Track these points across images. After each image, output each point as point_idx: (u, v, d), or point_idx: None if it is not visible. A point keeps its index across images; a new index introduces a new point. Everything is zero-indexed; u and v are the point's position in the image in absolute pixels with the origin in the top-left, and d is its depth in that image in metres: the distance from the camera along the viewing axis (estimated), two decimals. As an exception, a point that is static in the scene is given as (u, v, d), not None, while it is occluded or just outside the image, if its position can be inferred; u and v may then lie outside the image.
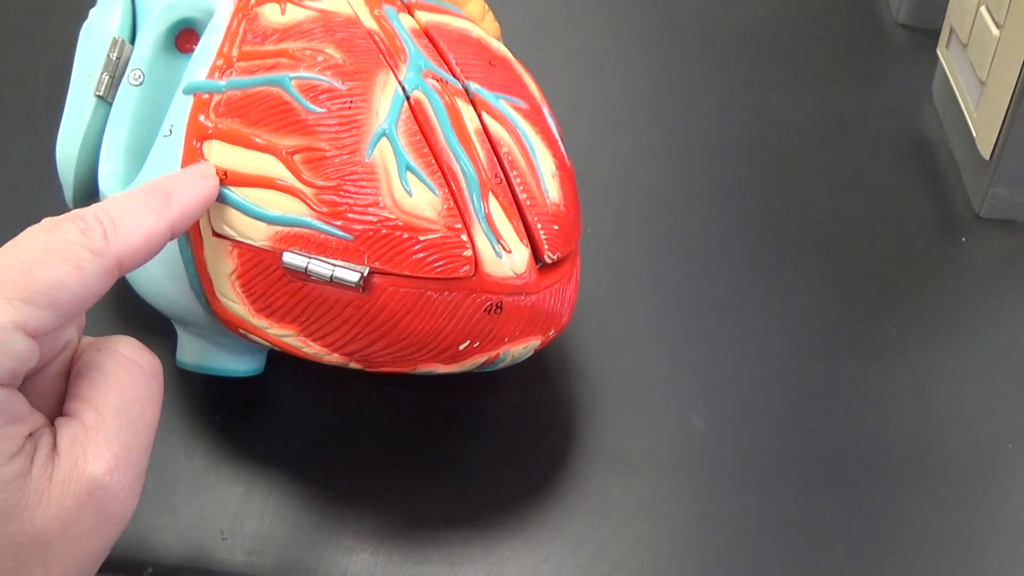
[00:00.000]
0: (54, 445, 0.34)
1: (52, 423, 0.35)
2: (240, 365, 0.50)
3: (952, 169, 0.67)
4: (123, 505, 0.35)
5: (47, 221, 0.36)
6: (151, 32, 0.48)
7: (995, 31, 0.60)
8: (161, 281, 0.47)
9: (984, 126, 0.61)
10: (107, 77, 0.48)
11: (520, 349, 0.46)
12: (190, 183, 0.41)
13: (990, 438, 0.52)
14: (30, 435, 0.34)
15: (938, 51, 0.69)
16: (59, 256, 0.34)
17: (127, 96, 0.48)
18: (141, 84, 0.48)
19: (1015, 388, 0.54)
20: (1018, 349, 0.56)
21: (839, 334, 0.56)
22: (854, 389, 0.54)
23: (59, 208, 0.51)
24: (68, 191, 0.50)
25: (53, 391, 0.37)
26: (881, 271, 0.60)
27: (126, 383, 0.36)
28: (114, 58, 0.48)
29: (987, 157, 0.61)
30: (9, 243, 0.35)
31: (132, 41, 0.49)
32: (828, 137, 0.69)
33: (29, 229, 0.35)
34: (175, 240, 0.45)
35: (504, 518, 0.48)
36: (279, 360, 0.50)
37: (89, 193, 0.50)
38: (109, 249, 0.36)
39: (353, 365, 0.46)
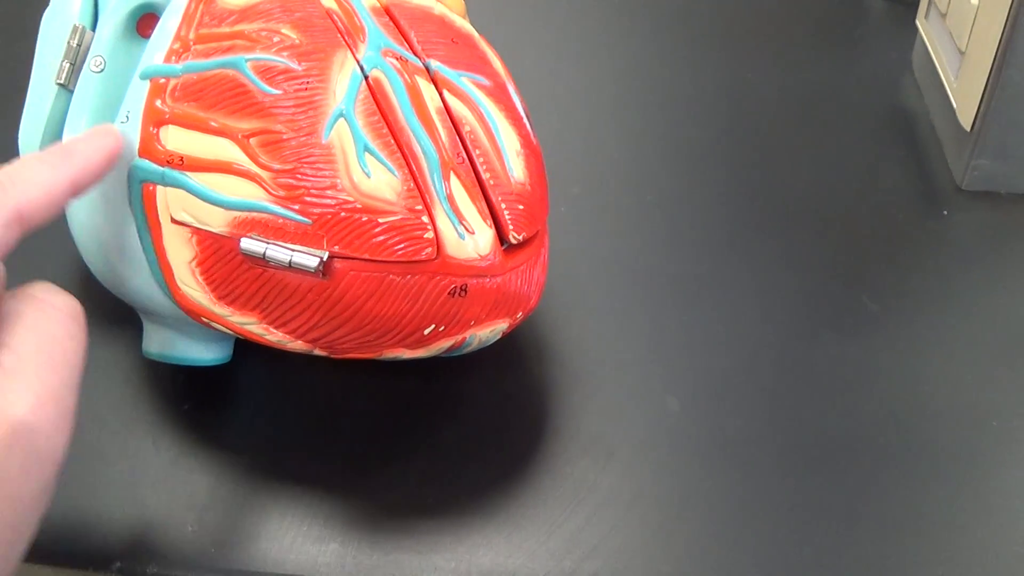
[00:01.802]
0: None
1: None
2: (207, 354, 0.50)
3: (933, 141, 0.66)
4: (50, 441, 0.35)
5: None
6: (112, 18, 0.47)
7: (974, 1, 0.59)
8: (123, 271, 0.46)
9: (964, 97, 0.60)
10: (68, 65, 0.48)
11: (487, 332, 0.45)
12: (91, 140, 0.42)
13: (974, 415, 0.51)
14: None
15: (917, 22, 0.68)
16: None
17: (88, 83, 0.47)
18: (102, 71, 0.48)
19: (999, 364, 0.53)
20: (1001, 323, 0.55)
21: (818, 311, 0.56)
22: (833, 367, 0.53)
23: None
24: (31, 181, 0.49)
25: None
26: (861, 246, 0.59)
27: (42, 324, 0.37)
28: (75, 45, 0.48)
29: (968, 129, 0.60)
30: None
31: (93, 28, 0.48)
32: (806, 111, 0.69)
33: None
34: (136, 229, 0.44)
35: (476, 505, 0.47)
36: (246, 348, 0.49)
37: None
38: (6, 202, 0.37)
39: (318, 352, 0.45)
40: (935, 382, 0.52)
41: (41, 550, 0.45)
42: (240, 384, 0.52)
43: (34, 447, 0.34)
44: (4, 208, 0.37)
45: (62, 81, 0.48)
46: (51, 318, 0.37)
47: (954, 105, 0.62)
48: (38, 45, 0.49)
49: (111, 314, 0.53)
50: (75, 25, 0.48)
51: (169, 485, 0.48)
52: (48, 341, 0.36)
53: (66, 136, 0.47)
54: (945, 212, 0.61)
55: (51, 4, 0.49)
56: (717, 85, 0.71)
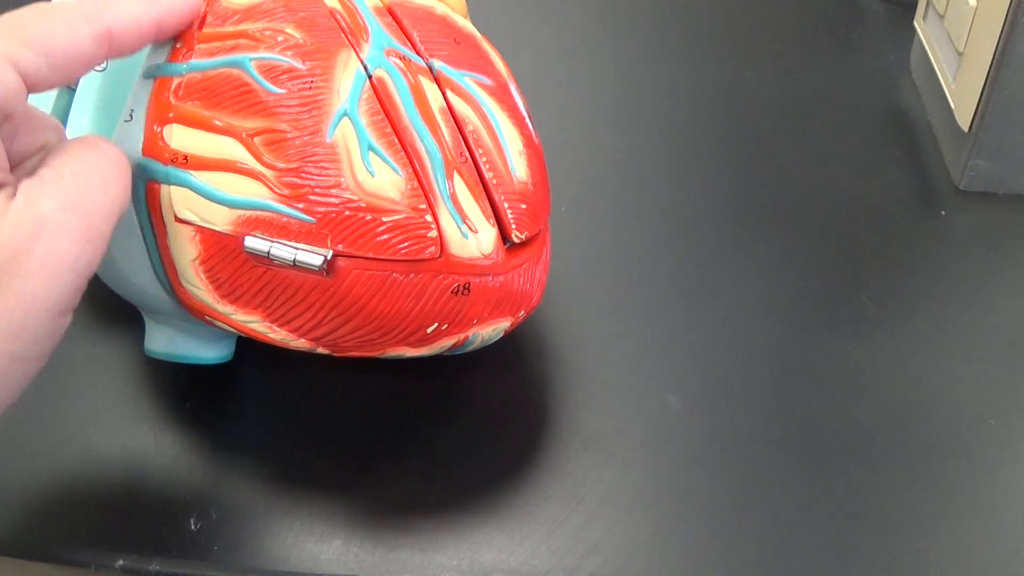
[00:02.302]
0: (14, 193, 0.36)
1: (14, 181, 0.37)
2: (209, 352, 0.50)
3: (931, 142, 0.66)
4: (75, 247, 0.36)
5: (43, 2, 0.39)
6: (115, 17, 0.47)
7: (972, 2, 0.59)
8: (126, 270, 0.46)
9: (962, 98, 0.61)
10: (70, 63, 0.48)
11: (489, 331, 0.45)
12: None
13: (972, 414, 0.51)
14: None
15: (915, 23, 0.68)
16: (55, 14, 0.38)
17: (90, 83, 0.48)
18: (104, 70, 0.48)
19: (996, 363, 0.53)
20: (999, 323, 0.55)
21: (817, 310, 0.56)
22: (832, 366, 0.53)
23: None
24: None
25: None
26: (859, 246, 0.59)
27: (87, 155, 0.38)
28: (77, 43, 0.48)
29: (966, 129, 0.61)
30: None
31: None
32: (805, 111, 0.69)
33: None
34: (139, 228, 0.45)
35: (477, 503, 0.47)
36: (248, 347, 0.49)
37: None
38: (100, 17, 0.39)
39: (321, 350, 0.45)
40: (933, 381, 0.53)
41: (43, 548, 0.45)
42: (242, 383, 0.52)
43: (57, 247, 0.35)
44: (98, 21, 0.38)
45: (63, 79, 0.48)
46: (98, 154, 0.39)
47: (952, 106, 0.62)
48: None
49: (113, 312, 0.53)
50: (78, 24, 0.48)
51: (171, 483, 0.48)
52: (89, 168, 0.38)
53: (68, 136, 0.47)
54: (943, 212, 0.62)
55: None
56: (716, 86, 0.71)
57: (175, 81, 0.43)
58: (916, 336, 0.55)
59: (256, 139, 0.42)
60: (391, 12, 0.47)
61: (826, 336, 0.54)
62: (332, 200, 0.41)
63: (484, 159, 0.44)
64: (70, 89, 0.48)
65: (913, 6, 0.69)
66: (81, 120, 0.47)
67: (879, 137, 0.67)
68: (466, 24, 0.49)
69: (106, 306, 0.53)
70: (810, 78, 0.71)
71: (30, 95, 0.48)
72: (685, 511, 0.47)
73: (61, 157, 0.38)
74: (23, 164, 0.39)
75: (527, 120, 0.48)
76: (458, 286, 0.43)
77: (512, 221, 0.44)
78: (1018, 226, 0.61)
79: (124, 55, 0.40)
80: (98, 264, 0.38)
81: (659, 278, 0.57)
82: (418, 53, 0.45)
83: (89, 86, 0.47)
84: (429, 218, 0.42)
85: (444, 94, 0.44)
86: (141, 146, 0.43)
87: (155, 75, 0.44)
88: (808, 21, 0.77)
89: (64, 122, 0.48)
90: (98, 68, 0.47)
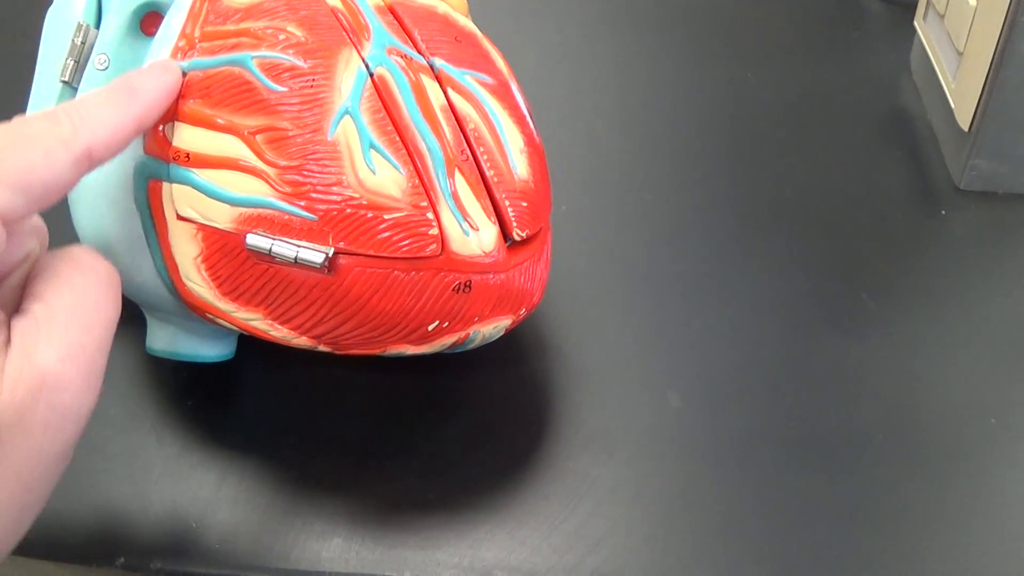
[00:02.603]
0: (7, 339, 0.35)
1: (5, 322, 0.36)
2: (210, 350, 0.50)
3: (931, 142, 0.66)
4: (76, 398, 0.35)
5: (15, 118, 0.37)
6: (116, 16, 0.47)
7: (972, 1, 0.59)
8: (128, 268, 0.46)
9: (962, 97, 0.61)
10: (72, 63, 0.48)
11: (490, 329, 0.45)
12: (153, 77, 0.42)
13: (972, 412, 0.51)
14: None
15: (915, 23, 0.68)
16: (30, 144, 0.36)
17: (93, 81, 0.47)
18: (107, 69, 0.48)
19: (996, 362, 0.53)
20: (999, 322, 0.55)
21: (818, 309, 0.56)
22: (833, 365, 0.53)
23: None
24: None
25: (12, 302, 0.37)
26: (860, 245, 0.60)
27: (78, 282, 0.37)
28: (79, 43, 0.48)
29: (966, 129, 0.61)
30: None
31: (97, 26, 0.48)
32: (805, 111, 0.69)
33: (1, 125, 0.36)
34: (141, 225, 0.45)
35: (479, 501, 0.47)
36: (250, 344, 0.49)
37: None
38: (78, 139, 0.37)
39: (322, 348, 0.45)
40: (933, 379, 0.53)
41: (45, 546, 0.45)
42: (243, 380, 0.52)
43: (59, 402, 0.34)
44: (75, 145, 0.37)
45: (66, 79, 0.48)
46: (88, 278, 0.37)
47: (952, 105, 0.62)
48: (42, 43, 0.49)
49: (115, 311, 0.53)
50: (79, 23, 0.48)
51: (173, 481, 0.48)
52: (82, 300, 0.36)
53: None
54: (943, 212, 0.62)
55: (55, 2, 0.49)
56: (716, 85, 0.71)
57: (177, 79, 0.44)
58: (916, 334, 0.55)
59: (258, 137, 0.42)
60: (392, 11, 0.47)
61: (826, 334, 0.55)
62: (333, 198, 0.41)
63: (485, 157, 0.44)
64: (72, 88, 0.48)
65: (913, 6, 0.69)
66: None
67: (879, 137, 0.67)
68: (467, 23, 0.49)
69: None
70: (811, 78, 0.71)
71: (33, 93, 0.49)
72: (686, 508, 0.47)
73: (51, 287, 0.36)
74: (6, 281, 0.38)
75: (528, 118, 0.48)
76: (459, 284, 0.43)
77: (513, 219, 0.44)
78: (1018, 225, 0.61)
79: (103, 163, 0.39)
80: (95, 403, 0.36)
81: (660, 276, 0.57)
82: (419, 51, 0.45)
83: (91, 86, 0.47)
84: (430, 216, 0.42)
85: (445, 92, 0.44)
86: (143, 144, 0.44)
87: (157, 73, 0.44)
88: (809, 21, 0.77)
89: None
90: (99, 67, 0.47)
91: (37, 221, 0.39)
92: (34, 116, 0.37)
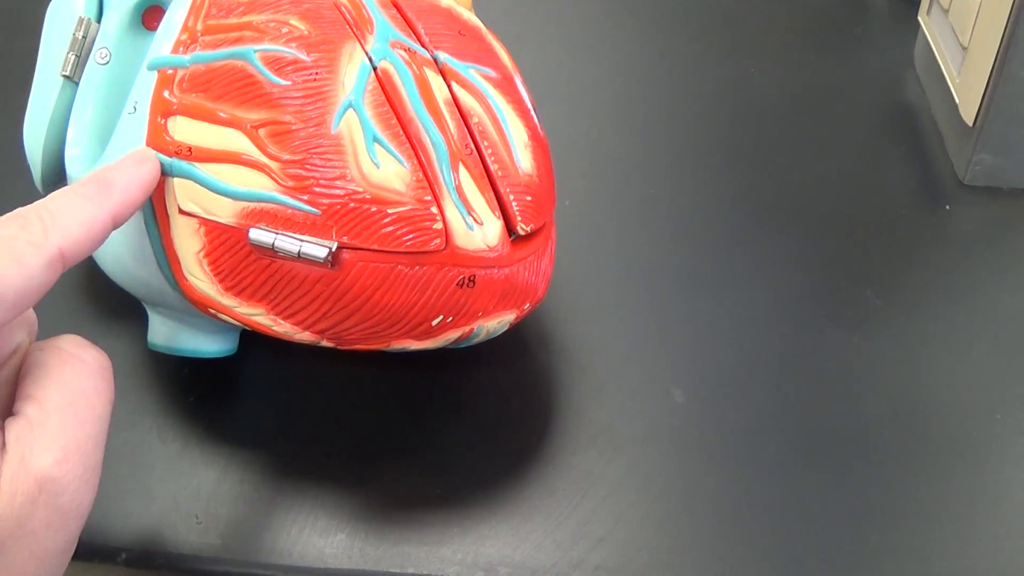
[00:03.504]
0: (2, 444, 0.34)
1: (2, 428, 0.35)
2: (212, 346, 0.50)
3: (935, 137, 0.66)
4: (76, 496, 0.35)
5: None
6: (117, 10, 0.47)
7: (976, -5, 0.59)
8: (130, 262, 0.46)
9: (967, 92, 0.61)
10: (73, 56, 0.48)
11: (494, 323, 0.45)
12: (128, 170, 0.41)
13: (977, 408, 0.51)
14: None
15: (919, 18, 0.68)
16: (0, 251, 0.34)
17: (94, 75, 0.47)
18: (108, 63, 0.48)
19: (1001, 357, 0.53)
20: (1004, 317, 0.55)
21: (822, 305, 0.56)
22: (837, 360, 0.53)
23: (29, 191, 0.50)
24: (36, 173, 0.49)
25: (4, 399, 0.37)
26: (864, 241, 0.59)
27: (68, 377, 0.36)
28: (80, 37, 0.48)
29: (970, 124, 0.60)
30: None
31: (99, 20, 0.48)
32: (809, 106, 0.69)
33: None
34: (143, 221, 0.44)
35: (483, 496, 0.47)
36: (252, 340, 0.49)
37: (57, 175, 0.49)
38: (49, 241, 0.35)
39: (325, 343, 0.45)
40: (938, 375, 0.52)
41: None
42: (246, 376, 0.52)
43: (58, 502, 0.34)
44: (46, 248, 0.35)
45: (67, 73, 0.47)
46: (79, 372, 0.36)
47: (956, 100, 0.62)
48: (43, 37, 0.49)
49: (116, 306, 0.53)
50: (80, 17, 0.48)
51: (175, 477, 0.48)
52: (75, 395, 0.36)
53: (71, 131, 0.47)
54: (947, 207, 0.62)
55: None
56: (721, 81, 0.71)
57: (179, 73, 0.43)
58: (921, 330, 0.55)
59: (260, 131, 0.42)
60: (396, 4, 0.46)
61: (831, 330, 0.54)
62: (337, 192, 0.41)
63: (489, 151, 0.44)
64: (73, 83, 0.48)
65: (917, 1, 0.68)
66: (84, 113, 0.47)
67: (883, 132, 0.66)
68: (471, 17, 0.49)
69: (109, 300, 0.53)
70: (814, 73, 0.71)
71: (34, 87, 0.48)
72: (690, 504, 0.47)
73: (42, 386, 0.36)
74: None
75: (532, 112, 0.47)
76: (463, 278, 0.43)
77: (517, 213, 0.44)
78: (1022, 220, 0.61)
79: (77, 262, 0.37)
80: (95, 496, 0.36)
81: (664, 272, 0.57)
82: (423, 45, 0.45)
83: (92, 79, 0.47)
84: (434, 210, 0.42)
85: (449, 86, 0.44)
86: (145, 138, 0.43)
87: (159, 67, 0.44)
88: (812, 16, 0.76)
89: (67, 116, 0.48)
90: (100, 61, 0.47)
91: (27, 314, 0.39)
92: (3, 220, 0.36)
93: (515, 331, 0.49)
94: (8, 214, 0.36)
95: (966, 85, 0.61)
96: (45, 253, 0.35)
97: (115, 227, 0.39)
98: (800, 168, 0.64)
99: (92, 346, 0.38)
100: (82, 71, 0.48)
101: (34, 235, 0.35)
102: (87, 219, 0.37)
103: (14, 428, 0.34)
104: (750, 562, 0.45)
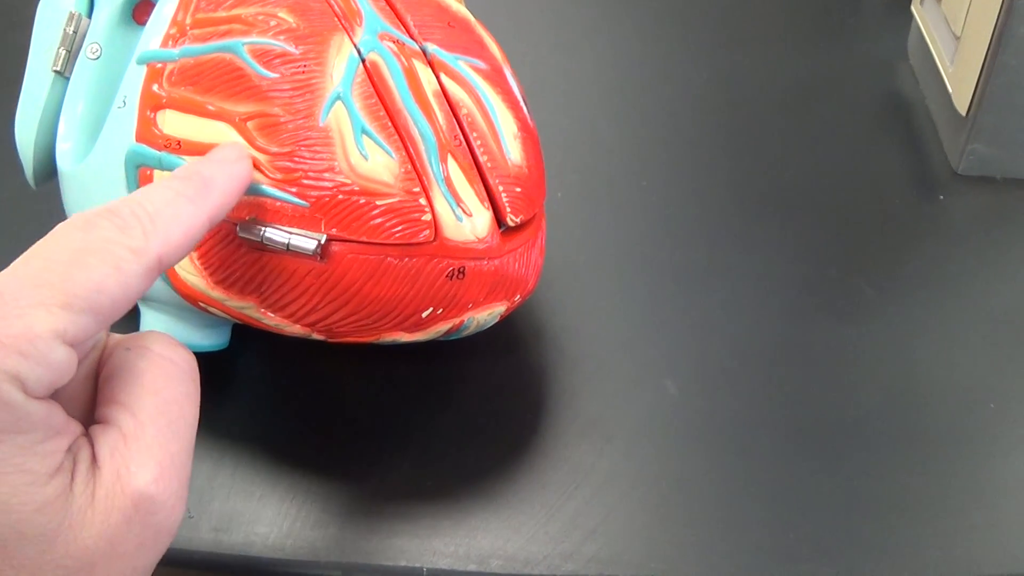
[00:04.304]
0: (93, 457, 0.33)
1: (86, 431, 0.33)
2: (204, 340, 0.49)
3: (929, 127, 0.66)
4: (171, 514, 0.33)
5: (79, 218, 0.33)
6: (108, 5, 0.47)
7: (969, -15, 0.59)
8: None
9: (960, 82, 0.60)
10: (64, 52, 0.48)
11: (485, 315, 0.45)
12: (227, 167, 0.39)
13: (971, 398, 0.51)
14: (68, 449, 0.32)
15: (912, 7, 0.68)
16: (97, 256, 0.32)
17: (85, 70, 0.47)
18: (99, 58, 0.48)
19: (995, 347, 0.53)
20: (997, 307, 0.55)
21: (815, 295, 0.56)
22: (830, 351, 0.53)
23: (22, 187, 0.50)
24: (28, 168, 0.49)
25: (83, 394, 0.35)
26: (858, 231, 0.59)
27: (161, 383, 0.34)
28: (71, 32, 0.48)
29: (964, 113, 0.60)
30: (41, 242, 0.33)
31: (89, 15, 0.48)
32: (803, 97, 0.69)
33: (61, 227, 0.33)
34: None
35: (474, 489, 0.47)
36: (244, 334, 0.49)
37: (49, 170, 0.49)
38: (149, 247, 0.33)
39: (316, 336, 0.45)
40: (932, 365, 0.52)
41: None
42: (238, 370, 0.52)
43: (153, 521, 0.33)
44: (147, 255, 0.33)
45: (58, 68, 0.47)
46: (171, 377, 0.35)
47: (950, 90, 0.62)
48: (34, 33, 0.49)
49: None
50: (71, 12, 0.48)
51: (167, 471, 0.48)
52: (168, 403, 0.34)
53: (62, 126, 0.47)
54: (941, 197, 0.61)
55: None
56: (713, 72, 0.70)
57: (168, 67, 0.43)
58: (914, 320, 0.54)
59: (249, 123, 0.41)
60: (385, -4, 0.46)
61: (824, 321, 0.54)
62: (325, 184, 0.41)
63: (478, 142, 0.44)
64: (64, 78, 0.48)
65: (910, -9, 0.68)
66: (75, 108, 0.47)
67: (877, 122, 0.66)
68: (460, 8, 0.49)
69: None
70: (808, 64, 0.71)
71: (25, 83, 0.48)
72: (683, 496, 0.47)
73: (133, 393, 0.34)
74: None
75: (522, 104, 0.47)
76: (453, 270, 0.43)
77: (507, 204, 0.44)
78: (1016, 210, 0.61)
79: (172, 266, 0.36)
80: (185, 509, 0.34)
81: (656, 264, 0.57)
82: (412, 37, 0.45)
83: (83, 74, 0.47)
84: (423, 201, 0.42)
85: (438, 77, 0.44)
86: (134, 132, 0.43)
87: (148, 61, 0.44)
88: (806, 7, 0.76)
89: (59, 111, 0.48)
90: (91, 56, 0.47)
91: None
92: (99, 219, 0.33)
93: (506, 323, 0.49)
94: (101, 210, 0.34)
95: (959, 75, 0.61)
96: (144, 261, 0.33)
97: (209, 229, 0.37)
98: (793, 159, 0.64)
99: (181, 346, 0.36)
100: (73, 66, 0.48)
101: (134, 240, 0.33)
102: (187, 222, 0.35)
103: (107, 441, 0.33)
104: (743, 553, 0.45)
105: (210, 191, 0.37)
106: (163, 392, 0.34)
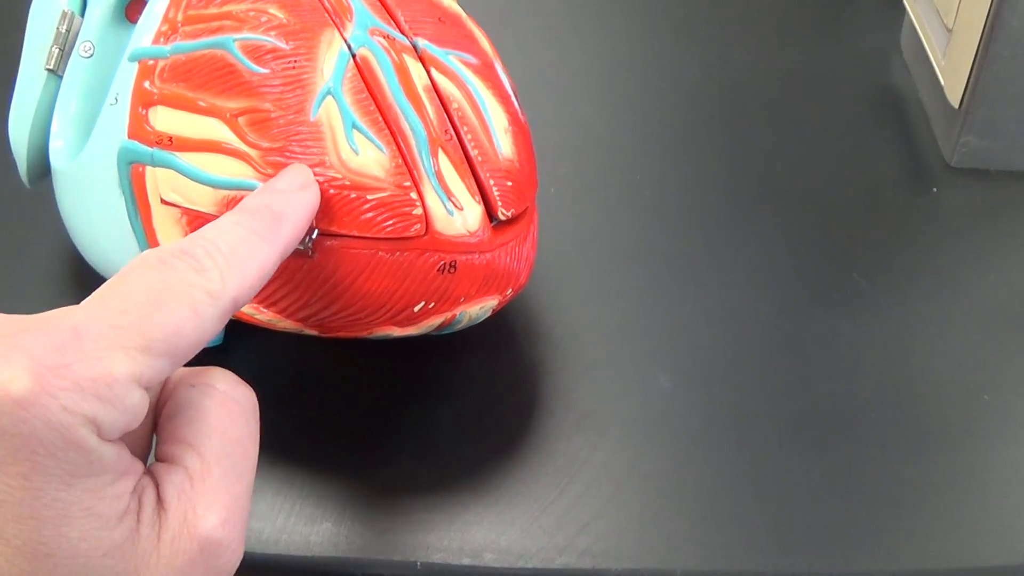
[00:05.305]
0: (159, 498, 0.32)
1: (148, 470, 0.33)
2: (198, 337, 0.50)
3: (922, 119, 0.66)
4: (233, 556, 0.33)
5: (153, 257, 0.33)
6: (101, 3, 0.48)
7: (961, -23, 0.59)
8: (113, 254, 0.46)
9: (952, 74, 0.60)
10: (57, 50, 0.48)
11: (477, 309, 0.45)
12: (295, 199, 0.39)
13: (965, 390, 0.51)
14: (133, 490, 0.32)
15: (904, 0, 0.68)
16: (176, 300, 0.32)
17: (77, 69, 0.48)
18: (91, 56, 0.48)
19: (989, 339, 0.53)
20: (991, 299, 0.55)
21: (808, 288, 0.56)
22: (824, 344, 0.53)
23: (15, 185, 0.50)
24: (22, 166, 0.50)
25: (143, 430, 0.35)
26: (851, 224, 0.59)
27: (227, 424, 0.34)
28: (64, 31, 0.48)
29: (956, 106, 0.60)
30: (116, 279, 0.32)
31: (82, 14, 0.48)
32: (795, 90, 0.69)
33: (135, 265, 0.33)
34: (126, 211, 0.44)
35: (468, 483, 0.47)
36: (237, 330, 0.49)
37: (42, 168, 0.49)
38: (226, 291, 0.33)
39: (308, 331, 0.45)
40: (926, 358, 0.52)
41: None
42: (231, 366, 0.51)
43: (217, 564, 0.32)
44: (223, 300, 0.33)
45: (51, 67, 0.48)
46: (235, 416, 0.35)
47: (942, 83, 0.62)
48: (27, 32, 0.49)
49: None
50: (64, 11, 0.48)
51: (162, 467, 0.48)
52: (233, 444, 0.34)
53: (55, 124, 0.47)
54: (934, 189, 0.61)
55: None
56: (705, 65, 0.70)
57: (160, 63, 0.44)
58: (909, 313, 0.54)
59: (240, 119, 0.42)
60: (375, -8, 0.47)
61: (818, 314, 0.54)
62: (316, 179, 0.41)
63: (469, 136, 0.44)
64: (57, 76, 0.48)
65: (903, -16, 0.68)
66: (68, 106, 0.47)
67: (870, 115, 0.66)
68: (451, 3, 0.49)
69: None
70: (800, 57, 0.71)
71: (18, 81, 0.48)
72: (676, 489, 0.47)
73: (199, 432, 0.33)
74: None
75: (513, 98, 0.47)
76: (444, 264, 0.43)
77: (498, 198, 0.44)
78: (1010, 202, 0.61)
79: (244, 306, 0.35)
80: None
81: (649, 258, 0.57)
82: (402, 32, 0.45)
83: (76, 72, 0.47)
84: (414, 195, 0.42)
85: (428, 72, 0.44)
86: (126, 129, 0.43)
87: (139, 58, 0.44)
88: (798, 0, 0.76)
89: (52, 109, 0.48)
90: (84, 54, 0.47)
91: None
92: (174, 260, 0.33)
93: (499, 317, 0.49)
94: (175, 249, 0.34)
95: (951, 67, 0.61)
96: (221, 304, 0.33)
97: (280, 263, 0.37)
98: (786, 152, 0.64)
99: (243, 383, 0.36)
100: (66, 65, 0.48)
101: (212, 283, 0.33)
102: (260, 260, 0.35)
103: (173, 481, 0.33)
104: (737, 546, 0.45)
105: (281, 226, 0.37)
106: (229, 432, 0.34)
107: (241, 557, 0.34)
